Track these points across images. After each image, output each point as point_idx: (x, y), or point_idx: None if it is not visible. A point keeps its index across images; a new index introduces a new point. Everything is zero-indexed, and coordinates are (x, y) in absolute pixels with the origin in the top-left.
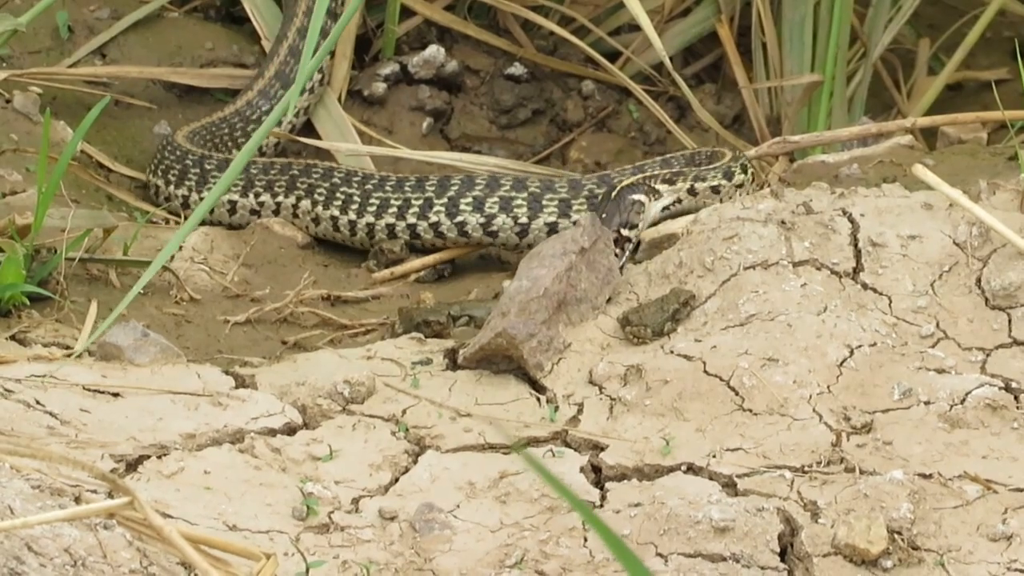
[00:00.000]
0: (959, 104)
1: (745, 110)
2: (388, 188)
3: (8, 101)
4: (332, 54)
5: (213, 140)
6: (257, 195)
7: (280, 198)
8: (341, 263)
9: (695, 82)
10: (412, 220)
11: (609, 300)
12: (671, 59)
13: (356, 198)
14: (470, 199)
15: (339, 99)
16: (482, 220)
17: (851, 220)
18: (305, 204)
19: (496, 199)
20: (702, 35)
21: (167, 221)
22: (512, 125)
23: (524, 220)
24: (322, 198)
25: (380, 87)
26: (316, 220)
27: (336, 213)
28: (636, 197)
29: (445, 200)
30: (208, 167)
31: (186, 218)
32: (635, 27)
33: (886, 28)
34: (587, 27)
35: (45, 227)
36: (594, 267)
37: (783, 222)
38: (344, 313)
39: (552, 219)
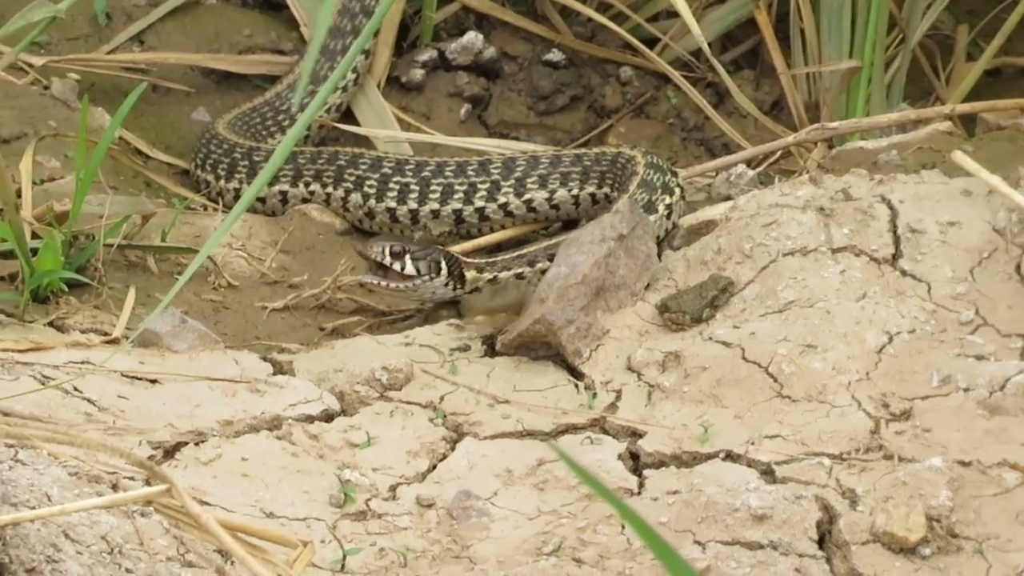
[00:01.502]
0: (998, 90)
1: (783, 96)
2: (449, 173)
3: (46, 87)
4: (375, 37)
5: (250, 129)
6: (307, 184)
7: (329, 189)
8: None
9: (733, 68)
10: (480, 203)
11: (647, 286)
12: (709, 45)
13: (414, 187)
14: (535, 177)
15: (379, 86)
16: (546, 195)
17: (890, 206)
18: (355, 197)
19: (558, 175)
20: (740, 21)
21: (205, 207)
22: (550, 111)
23: (576, 192)
24: (373, 190)
25: (418, 74)
26: (370, 213)
27: (393, 204)
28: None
29: (512, 181)
30: (257, 158)
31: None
32: (673, 13)
33: (925, 14)
34: (625, 13)
35: (83, 213)
36: (632, 253)
37: (822, 208)
38: (382, 299)
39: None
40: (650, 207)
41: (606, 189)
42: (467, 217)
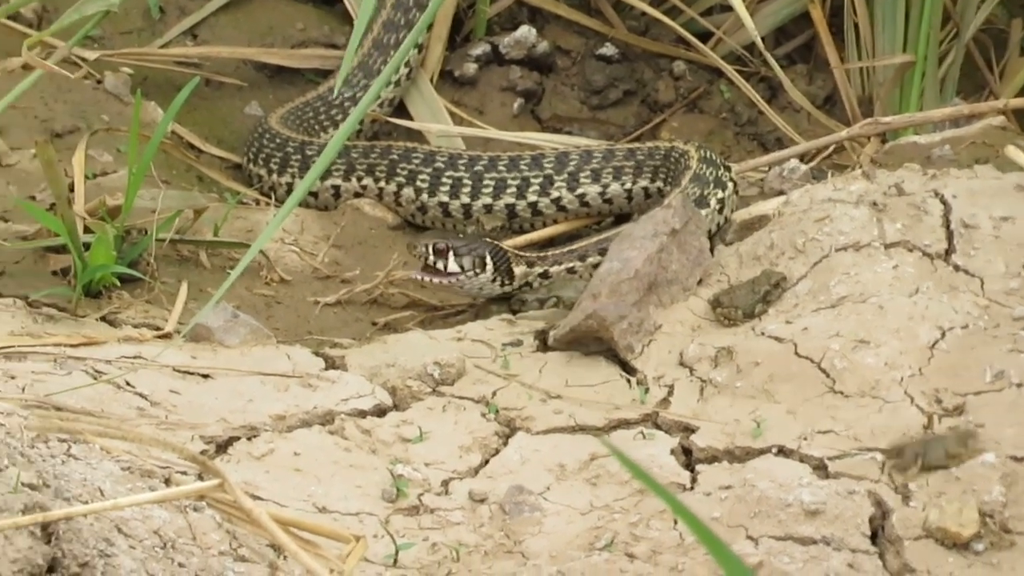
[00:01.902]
0: None
1: (837, 91)
2: (501, 168)
3: (99, 82)
4: (429, 32)
5: (303, 123)
6: (360, 179)
7: (382, 183)
8: (440, 231)
9: (787, 63)
10: (533, 197)
11: (700, 282)
12: (763, 39)
13: (467, 181)
14: (588, 172)
15: (431, 80)
16: (599, 189)
17: (943, 201)
18: (408, 192)
19: (611, 169)
20: (794, 15)
21: (257, 202)
22: (603, 106)
23: (629, 186)
24: (425, 184)
25: (471, 68)
26: (423, 208)
27: (445, 198)
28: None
29: (565, 175)
30: (309, 152)
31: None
32: (727, 7)
33: (978, 8)
34: (679, 7)
35: (136, 208)
36: (685, 248)
37: (875, 203)
38: (434, 294)
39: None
40: (702, 201)
41: (659, 183)
42: (520, 212)
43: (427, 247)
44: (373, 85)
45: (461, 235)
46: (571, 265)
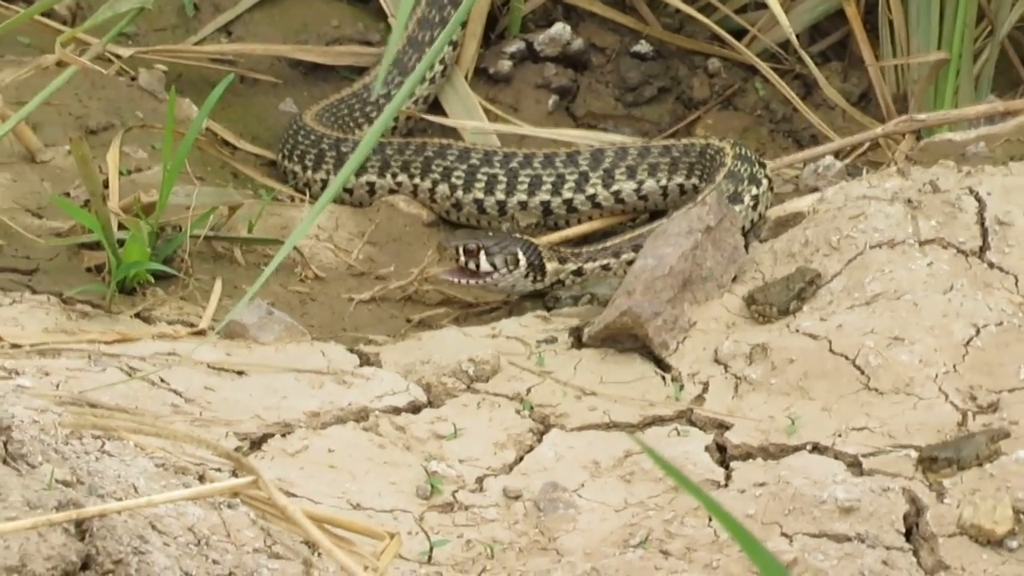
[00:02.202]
0: None
1: (871, 88)
2: (537, 165)
3: (134, 78)
4: (463, 29)
5: (337, 120)
6: (394, 175)
7: (417, 180)
8: (470, 232)
9: (821, 60)
10: (569, 194)
11: (734, 279)
12: (798, 36)
13: (502, 178)
14: (624, 168)
15: (466, 77)
16: (634, 186)
17: (978, 199)
18: (443, 188)
19: (646, 166)
20: (829, 12)
21: (292, 198)
22: (638, 103)
23: (664, 182)
24: (460, 181)
25: (506, 65)
26: (457, 204)
27: (480, 195)
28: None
29: (601, 172)
30: (344, 149)
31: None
32: (762, 4)
33: (1013, 5)
34: (714, 4)
35: (170, 204)
36: (719, 245)
37: (909, 201)
38: (468, 291)
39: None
40: (737, 197)
41: (694, 180)
42: (555, 208)
43: (458, 248)
44: (407, 82)
45: (491, 234)
46: (606, 262)
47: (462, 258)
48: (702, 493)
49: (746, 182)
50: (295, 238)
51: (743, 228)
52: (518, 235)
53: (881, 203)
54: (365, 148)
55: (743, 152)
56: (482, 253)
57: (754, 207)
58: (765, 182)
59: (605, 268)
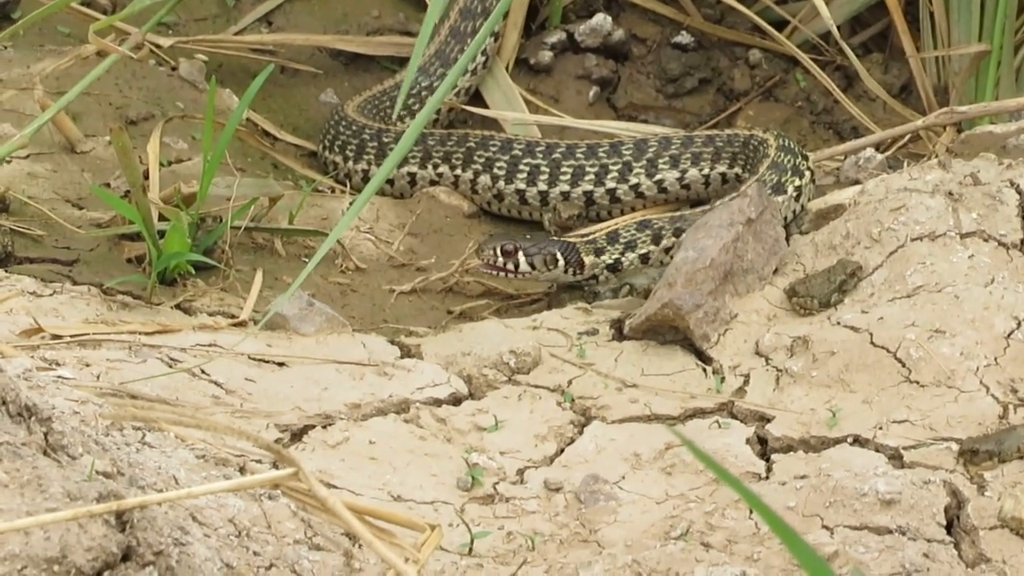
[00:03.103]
0: None
1: (912, 80)
2: (580, 155)
3: (174, 69)
4: (504, 19)
5: (379, 112)
6: (436, 166)
7: (458, 171)
8: (507, 232)
9: (862, 51)
10: (612, 184)
11: (776, 271)
12: (838, 28)
13: (544, 168)
14: (667, 158)
15: (507, 68)
16: (677, 175)
17: (1019, 191)
18: (484, 179)
19: (689, 155)
20: (869, 4)
21: (333, 190)
22: (679, 94)
23: (707, 171)
24: (503, 172)
25: (547, 56)
26: (499, 195)
27: (522, 186)
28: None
29: (644, 162)
30: (386, 140)
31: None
32: None
33: None
34: None
35: (210, 195)
36: (760, 238)
37: (950, 193)
38: (510, 283)
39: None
40: (779, 188)
41: (737, 170)
42: (597, 199)
43: (495, 250)
44: (450, 73)
45: (527, 236)
46: (645, 252)
47: (500, 259)
48: (741, 485)
49: (789, 173)
50: (339, 231)
51: (785, 219)
52: (553, 237)
53: (922, 195)
54: (409, 139)
55: (786, 143)
56: (520, 254)
57: (797, 198)
58: (808, 173)
59: (644, 259)
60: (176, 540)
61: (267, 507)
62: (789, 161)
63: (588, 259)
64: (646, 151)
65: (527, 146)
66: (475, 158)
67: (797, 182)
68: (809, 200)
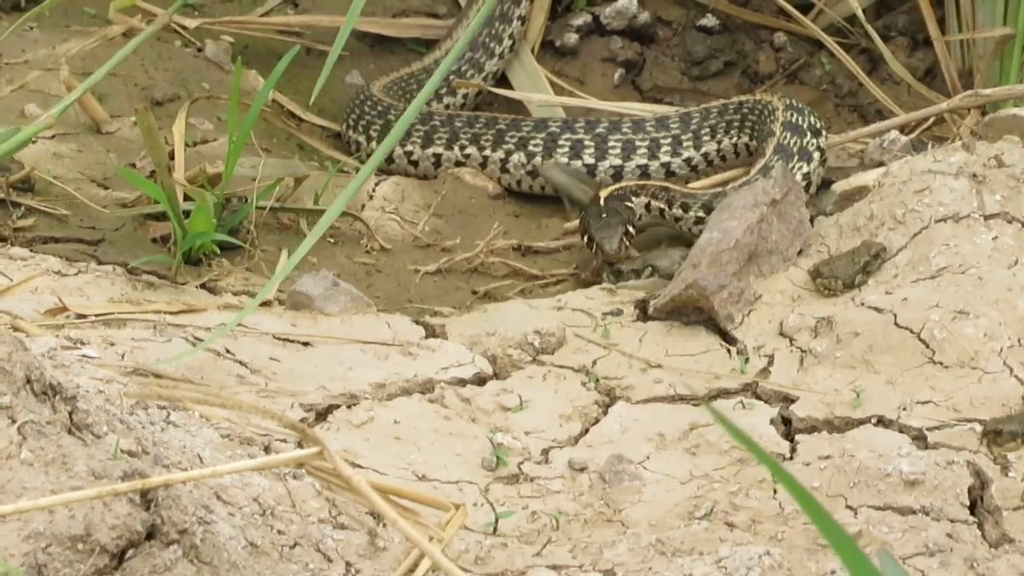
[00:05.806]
0: None
1: (937, 63)
2: (626, 130)
3: (200, 49)
4: (531, 2)
5: (406, 94)
6: (463, 148)
7: (487, 152)
8: (532, 213)
9: (887, 34)
10: (666, 158)
11: (800, 252)
12: (864, 11)
13: (588, 143)
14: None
15: (532, 51)
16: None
17: None
18: (517, 157)
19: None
20: None
21: (357, 170)
22: (704, 77)
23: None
24: (539, 149)
25: (572, 38)
26: (533, 173)
27: (565, 160)
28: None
29: (690, 135)
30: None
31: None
32: None
33: None
34: None
35: (236, 176)
36: (785, 219)
37: (974, 175)
38: (535, 263)
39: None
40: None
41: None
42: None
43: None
44: (448, 55)
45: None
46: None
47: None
48: (771, 459)
49: (809, 135)
50: (337, 208)
51: (808, 183)
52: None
53: (946, 177)
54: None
55: (794, 103)
56: (603, 241)
57: (823, 162)
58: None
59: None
60: (200, 519)
61: (292, 486)
62: (804, 122)
63: (638, 200)
64: (690, 124)
65: (564, 124)
66: (507, 139)
67: (817, 142)
68: (824, 165)
